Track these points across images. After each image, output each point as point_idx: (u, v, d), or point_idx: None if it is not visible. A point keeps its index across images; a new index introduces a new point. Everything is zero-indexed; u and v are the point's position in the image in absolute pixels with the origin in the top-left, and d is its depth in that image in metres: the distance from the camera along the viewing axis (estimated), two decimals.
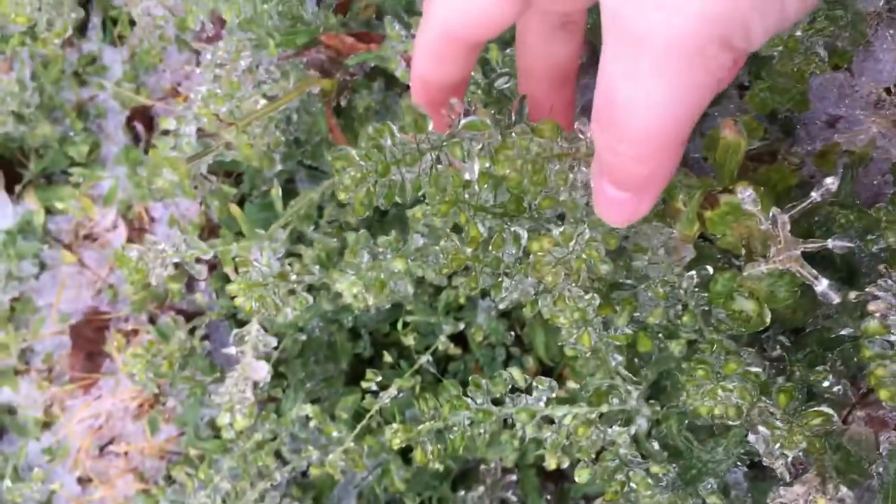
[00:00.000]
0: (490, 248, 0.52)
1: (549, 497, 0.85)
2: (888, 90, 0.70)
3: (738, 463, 0.70)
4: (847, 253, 0.63)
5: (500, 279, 0.55)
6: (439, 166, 0.45)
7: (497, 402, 0.59)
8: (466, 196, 0.51)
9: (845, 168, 0.64)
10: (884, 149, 0.71)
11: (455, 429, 0.59)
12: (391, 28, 0.78)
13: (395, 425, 0.61)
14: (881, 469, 0.57)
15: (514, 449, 0.81)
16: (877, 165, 0.71)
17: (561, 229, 0.49)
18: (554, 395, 0.58)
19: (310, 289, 0.74)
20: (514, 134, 0.42)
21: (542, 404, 0.58)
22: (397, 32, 0.79)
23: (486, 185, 0.46)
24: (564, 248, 0.49)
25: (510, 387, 0.59)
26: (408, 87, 0.88)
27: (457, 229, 0.56)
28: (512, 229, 0.52)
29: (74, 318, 1.06)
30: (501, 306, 0.57)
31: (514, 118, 0.46)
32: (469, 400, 0.58)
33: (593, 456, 0.58)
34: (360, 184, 0.42)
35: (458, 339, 0.85)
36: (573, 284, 0.51)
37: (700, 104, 0.33)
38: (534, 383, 0.59)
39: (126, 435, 1.04)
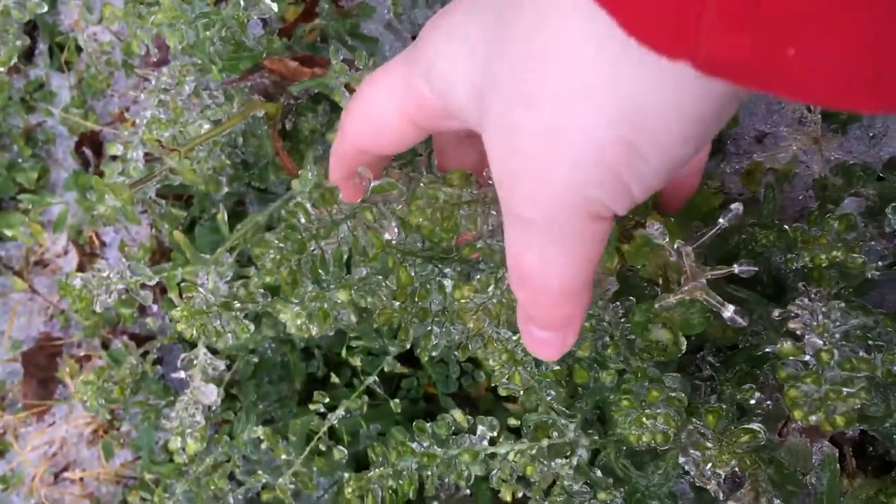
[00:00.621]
0: (416, 298, 0.54)
1: None
2: (808, 108, 0.72)
3: (684, 476, 0.72)
4: (773, 269, 0.65)
5: (429, 328, 0.57)
6: (356, 233, 0.46)
7: (443, 444, 0.61)
8: (393, 244, 0.53)
9: (767, 187, 0.66)
10: (806, 164, 0.73)
11: (404, 473, 0.60)
12: (335, 58, 0.79)
13: (346, 475, 0.62)
14: (815, 479, 0.59)
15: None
16: (802, 180, 0.74)
17: (478, 277, 0.51)
18: (495, 433, 0.59)
19: (255, 316, 0.75)
20: (422, 184, 0.44)
21: (485, 443, 0.60)
22: (341, 65, 0.80)
23: (407, 238, 0.48)
24: (483, 294, 0.51)
25: (453, 430, 0.60)
26: None
27: (388, 273, 0.58)
28: (437, 279, 0.53)
29: (26, 345, 1.06)
30: (434, 354, 0.59)
31: (423, 172, 0.48)
32: (415, 444, 0.60)
33: (544, 491, 0.60)
34: (282, 265, 0.44)
35: (411, 356, 0.86)
36: (498, 327, 0.53)
37: (598, 251, 0.37)
38: (476, 424, 0.60)
39: (81, 461, 1.03)
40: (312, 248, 0.44)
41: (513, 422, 0.62)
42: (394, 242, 0.49)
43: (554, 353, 0.43)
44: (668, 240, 0.46)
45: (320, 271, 0.45)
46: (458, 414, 0.58)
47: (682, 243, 0.46)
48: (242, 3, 0.77)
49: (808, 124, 0.73)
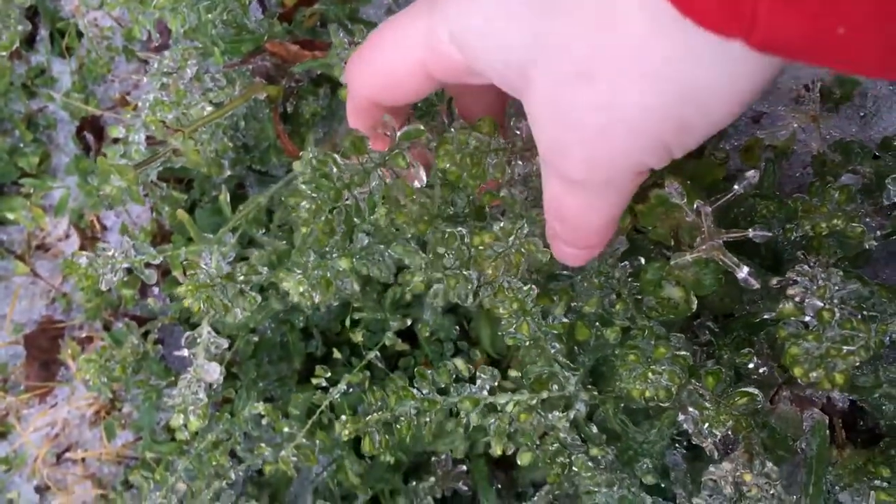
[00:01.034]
0: (439, 248, 0.55)
1: (499, 486, 0.88)
2: (807, 87, 0.74)
3: (677, 445, 0.73)
4: (771, 241, 0.66)
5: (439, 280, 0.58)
6: (387, 180, 0.47)
7: (443, 391, 0.62)
8: (422, 202, 0.54)
9: (768, 162, 0.67)
10: (804, 142, 0.74)
11: (402, 419, 0.61)
12: (336, 36, 0.80)
13: (344, 417, 0.63)
14: (805, 445, 0.60)
15: (463, 439, 0.84)
16: (799, 158, 0.75)
17: (501, 224, 0.52)
18: (496, 383, 0.60)
19: (260, 289, 0.76)
20: (452, 129, 0.45)
21: (485, 392, 0.61)
22: (342, 40, 0.81)
23: (436, 186, 0.49)
24: (504, 242, 0.52)
25: (455, 377, 0.61)
26: None
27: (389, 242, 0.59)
28: (457, 230, 0.54)
29: (28, 328, 1.07)
30: (441, 305, 0.60)
31: (445, 121, 0.48)
32: (415, 390, 0.61)
33: (536, 441, 0.61)
34: (317, 214, 0.44)
35: (408, 335, 0.87)
36: (512, 277, 0.54)
37: (632, 194, 0.40)
38: (477, 373, 0.61)
39: (83, 442, 1.04)
40: (346, 198, 0.44)
41: (514, 373, 0.63)
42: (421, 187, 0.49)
43: (579, 261, 0.46)
44: (685, 200, 0.47)
45: (355, 219, 0.45)
46: (459, 362, 0.59)
47: (701, 203, 0.47)
48: None
49: (806, 103, 0.74)
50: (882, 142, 0.74)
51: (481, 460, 0.87)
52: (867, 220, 0.65)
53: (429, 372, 0.60)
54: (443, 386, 0.61)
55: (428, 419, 0.60)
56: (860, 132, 0.75)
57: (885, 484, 0.62)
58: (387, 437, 0.62)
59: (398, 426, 0.60)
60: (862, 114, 0.76)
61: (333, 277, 0.67)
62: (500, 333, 0.63)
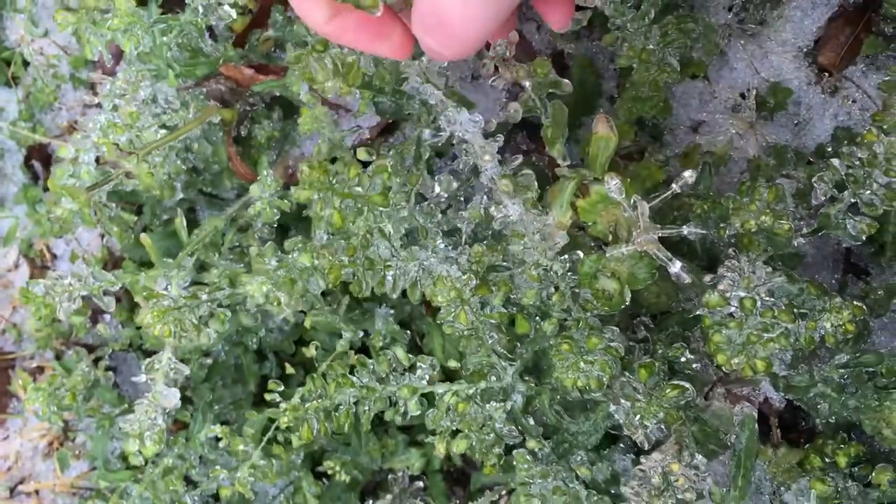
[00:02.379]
0: (352, 251, 0.56)
1: (457, 501, 0.88)
2: (742, 95, 0.77)
3: (624, 450, 0.74)
4: (707, 242, 0.69)
5: (382, 275, 0.59)
6: None
7: (383, 381, 0.62)
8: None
9: (704, 165, 0.69)
10: (742, 148, 0.77)
11: (342, 407, 0.61)
12: (293, 53, 0.81)
13: (283, 405, 0.63)
14: (734, 438, 0.62)
15: (419, 455, 0.84)
16: (737, 164, 0.78)
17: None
18: (435, 372, 0.61)
19: (227, 306, 0.76)
20: None
21: (424, 382, 0.62)
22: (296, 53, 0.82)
23: None
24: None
25: (393, 367, 0.62)
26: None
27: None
28: (381, 225, 0.56)
29: None
30: (394, 295, 0.61)
31: None
32: (355, 378, 0.61)
33: (474, 431, 0.61)
34: None
35: (361, 350, 0.88)
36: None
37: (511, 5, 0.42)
38: (417, 362, 0.62)
39: (36, 474, 1.03)
40: None
41: (453, 364, 0.64)
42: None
43: (443, 55, 0.45)
44: (624, 195, 0.49)
45: None
46: (399, 351, 0.60)
47: (638, 197, 0.49)
48: (201, 8, 0.79)
49: (742, 110, 0.77)
50: (816, 148, 0.77)
51: (437, 476, 0.88)
52: (800, 222, 0.67)
53: (369, 361, 0.61)
54: (383, 376, 0.62)
55: (367, 408, 0.61)
56: (794, 139, 0.78)
57: (819, 474, 0.64)
58: (325, 424, 0.62)
59: (337, 414, 0.61)
60: (796, 122, 0.79)
61: (297, 276, 0.67)
62: (455, 347, 0.64)
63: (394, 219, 0.57)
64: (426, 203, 0.61)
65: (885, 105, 0.70)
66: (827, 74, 0.78)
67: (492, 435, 0.60)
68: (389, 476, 0.89)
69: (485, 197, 0.62)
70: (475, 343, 0.59)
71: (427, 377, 0.60)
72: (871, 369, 0.68)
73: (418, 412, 0.60)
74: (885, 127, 0.70)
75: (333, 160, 0.79)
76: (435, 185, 0.61)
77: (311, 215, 0.63)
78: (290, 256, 0.67)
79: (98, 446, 0.98)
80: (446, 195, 0.61)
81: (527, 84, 0.59)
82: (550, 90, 0.63)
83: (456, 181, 0.62)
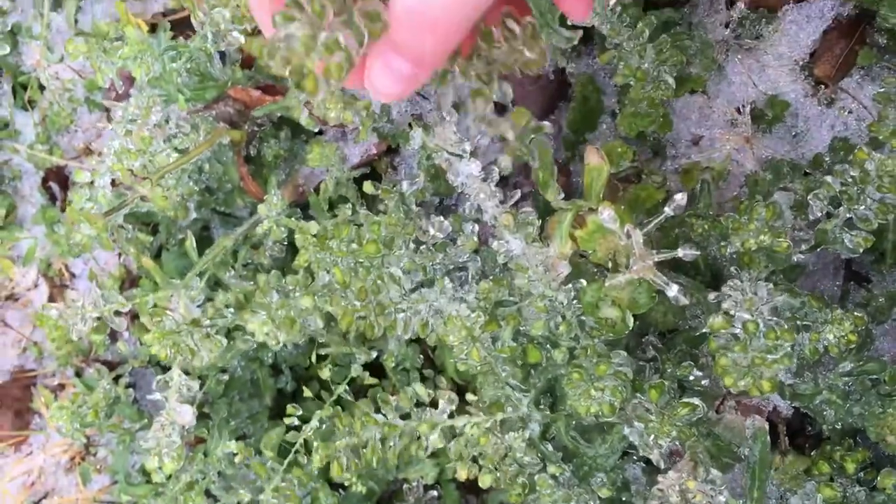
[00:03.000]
0: (364, 295, 0.58)
1: None
2: (738, 110, 0.78)
3: (635, 458, 0.76)
4: (709, 258, 0.70)
5: (393, 318, 0.61)
6: None
7: (407, 417, 0.65)
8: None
9: (703, 183, 0.71)
10: (739, 163, 0.78)
11: (369, 443, 0.64)
12: None
13: (315, 444, 0.65)
14: (748, 451, 0.63)
15: (433, 465, 0.86)
16: (736, 178, 0.79)
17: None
18: (454, 406, 0.63)
19: (227, 331, 0.78)
20: None
21: (445, 416, 0.64)
22: None
23: None
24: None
25: (416, 402, 0.64)
26: (314, 134, 0.93)
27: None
28: (391, 272, 0.58)
29: (1, 378, 1.08)
30: (406, 336, 0.63)
31: None
32: (379, 416, 0.63)
33: (496, 463, 0.63)
34: None
35: (375, 367, 0.90)
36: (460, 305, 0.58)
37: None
38: (437, 397, 0.64)
39: (59, 488, 1.05)
40: None
41: (471, 397, 0.66)
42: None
43: (400, 87, 0.43)
44: (618, 224, 0.51)
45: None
46: (419, 388, 0.62)
47: (630, 227, 0.51)
48: (210, 35, 0.81)
49: (738, 125, 0.79)
50: (813, 159, 0.78)
51: (451, 485, 0.90)
52: (799, 233, 0.69)
53: (391, 398, 0.63)
54: (406, 411, 0.64)
55: (392, 443, 0.63)
56: (792, 151, 0.80)
57: (827, 480, 0.66)
58: (356, 461, 0.65)
59: (365, 451, 0.63)
60: (794, 133, 0.80)
61: (297, 316, 0.70)
62: (452, 360, 0.66)
63: (395, 265, 0.59)
64: (423, 246, 0.63)
65: (880, 116, 0.72)
66: (823, 86, 0.79)
67: (514, 466, 0.61)
68: (404, 486, 0.91)
69: (475, 225, 0.64)
70: (491, 377, 0.61)
71: (448, 410, 0.62)
72: (874, 377, 0.69)
73: (441, 445, 0.62)
74: (880, 138, 0.72)
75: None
76: (430, 227, 0.63)
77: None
78: (290, 297, 0.69)
79: (119, 461, 1.01)
80: (442, 236, 0.63)
81: (510, 136, 0.61)
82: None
83: (454, 221, 0.64)
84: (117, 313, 0.80)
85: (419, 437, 0.64)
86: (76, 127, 1.08)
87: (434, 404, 0.64)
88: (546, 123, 0.63)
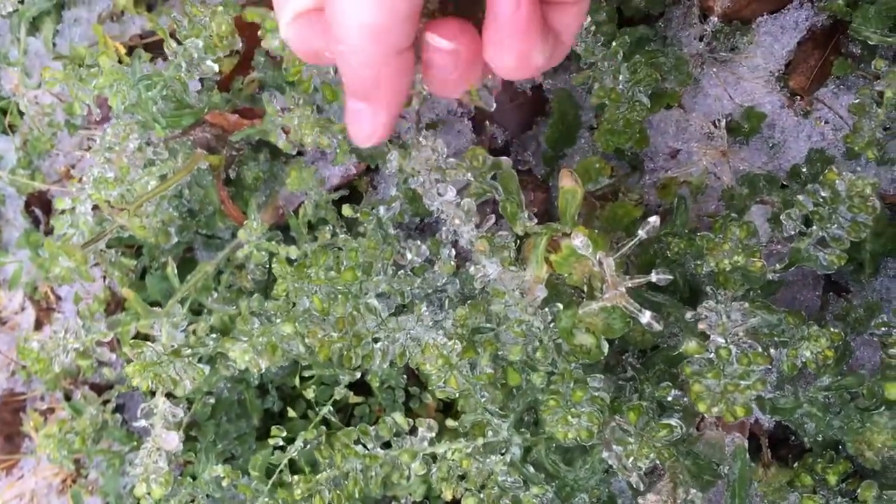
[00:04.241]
0: (342, 325, 0.58)
1: None
2: (714, 123, 0.78)
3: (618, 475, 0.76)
4: (688, 275, 0.70)
5: (370, 348, 0.61)
6: None
7: (388, 445, 0.65)
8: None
9: (680, 199, 0.71)
10: (717, 176, 0.78)
11: (350, 475, 0.64)
12: (269, 104, 0.83)
13: (295, 478, 0.66)
14: (727, 469, 0.64)
15: (420, 483, 0.87)
16: (715, 191, 0.79)
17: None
18: (433, 434, 0.63)
19: (210, 359, 0.78)
20: None
21: (425, 444, 0.64)
22: (275, 108, 0.84)
23: None
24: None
25: (395, 431, 0.64)
26: (294, 155, 0.93)
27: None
28: (367, 301, 0.58)
29: None
30: (383, 366, 0.63)
31: None
32: (359, 447, 0.64)
33: (480, 485, 0.64)
34: None
35: (361, 385, 0.90)
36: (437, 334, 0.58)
37: (403, 8, 0.37)
38: (416, 425, 0.64)
39: None
40: None
41: (451, 423, 0.66)
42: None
43: (365, 131, 0.43)
44: (591, 250, 0.51)
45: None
46: (398, 417, 0.62)
47: (602, 254, 0.51)
48: (184, 64, 0.81)
49: (715, 139, 0.79)
50: (791, 170, 0.78)
51: (439, 502, 0.90)
52: (777, 246, 0.69)
53: (371, 428, 0.63)
54: (387, 440, 0.65)
55: (374, 473, 0.63)
56: (769, 162, 0.80)
57: (809, 492, 0.66)
58: (338, 492, 0.65)
59: (346, 482, 0.63)
60: (771, 144, 0.80)
61: (279, 341, 0.70)
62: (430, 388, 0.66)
63: (372, 292, 0.59)
64: (401, 271, 0.64)
65: (855, 127, 0.72)
66: (799, 97, 0.79)
67: (496, 489, 0.62)
68: (392, 503, 0.91)
69: (452, 249, 0.64)
70: (471, 400, 0.61)
71: (428, 438, 0.63)
72: (852, 390, 0.69)
73: (423, 472, 0.62)
74: (856, 149, 0.72)
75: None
76: (407, 252, 0.63)
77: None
78: (272, 323, 0.69)
79: (110, 484, 1.01)
80: (420, 260, 0.64)
81: (469, 177, 0.62)
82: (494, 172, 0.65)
83: (432, 245, 0.64)
84: (99, 343, 0.80)
85: (400, 466, 0.64)
86: (57, 151, 1.08)
87: (413, 432, 0.65)
88: (504, 159, 0.63)
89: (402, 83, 0.41)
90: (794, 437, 0.80)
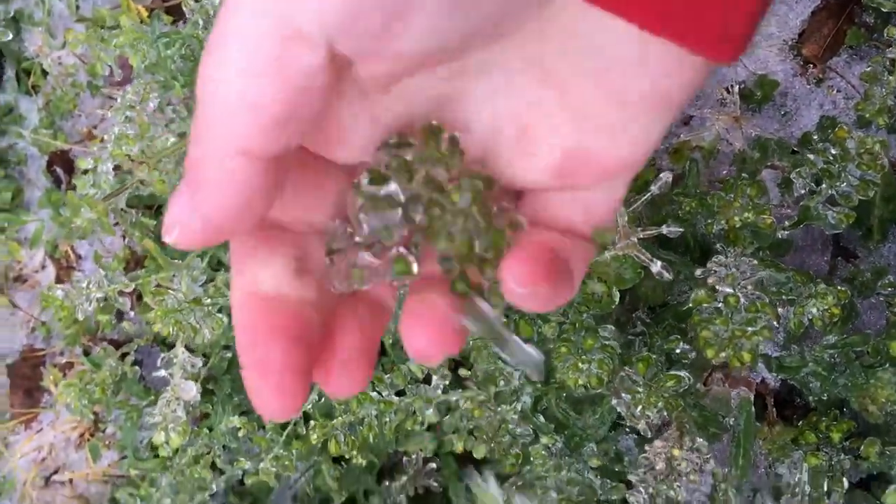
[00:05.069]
0: None
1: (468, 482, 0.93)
2: (727, 89, 0.79)
3: (628, 431, 0.78)
4: (698, 235, 0.72)
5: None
6: None
7: (402, 393, 0.67)
8: None
9: (691, 162, 0.72)
10: (729, 142, 0.80)
11: (365, 420, 0.66)
12: None
13: (311, 423, 0.67)
14: (733, 420, 0.65)
15: (431, 438, 0.89)
16: (726, 157, 0.81)
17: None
18: (447, 382, 0.65)
19: (228, 312, 0.80)
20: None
21: (439, 392, 0.66)
22: None
23: None
24: None
25: (410, 378, 0.66)
26: None
27: None
28: None
29: (11, 358, 1.10)
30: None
31: None
32: (375, 394, 0.65)
33: (491, 435, 0.66)
34: None
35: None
36: None
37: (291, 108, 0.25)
38: (430, 373, 0.66)
39: (70, 464, 1.08)
40: None
41: (464, 372, 0.68)
42: None
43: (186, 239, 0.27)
44: None
45: None
46: (413, 365, 0.64)
47: None
48: (201, 21, 0.82)
49: (728, 105, 0.80)
50: (802, 137, 0.80)
51: (450, 457, 0.92)
52: (787, 210, 0.70)
53: (386, 376, 0.65)
54: (401, 388, 0.66)
55: (388, 419, 0.65)
56: (781, 129, 0.81)
57: (813, 449, 0.68)
58: (353, 437, 0.67)
59: (362, 427, 0.65)
60: (783, 112, 0.82)
61: None
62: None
63: None
64: None
65: (866, 95, 0.73)
66: (812, 66, 0.80)
67: (507, 437, 0.63)
68: (404, 458, 0.93)
69: None
70: (484, 352, 0.63)
71: (441, 386, 0.64)
72: (857, 349, 0.71)
73: (436, 420, 0.64)
74: (867, 116, 0.73)
75: None
76: None
77: None
78: None
79: (128, 437, 1.03)
80: None
81: None
82: None
83: None
84: (121, 293, 0.82)
85: (414, 413, 0.66)
86: (79, 111, 1.10)
87: (428, 380, 0.66)
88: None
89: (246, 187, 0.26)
90: (798, 399, 0.82)
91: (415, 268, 0.29)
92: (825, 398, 0.72)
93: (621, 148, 0.28)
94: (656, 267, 0.54)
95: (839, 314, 0.65)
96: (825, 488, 0.70)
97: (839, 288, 0.64)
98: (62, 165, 1.12)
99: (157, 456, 0.99)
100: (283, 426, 0.88)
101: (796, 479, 0.72)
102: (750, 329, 0.54)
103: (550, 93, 0.28)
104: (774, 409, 0.77)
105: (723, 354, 0.54)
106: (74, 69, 1.06)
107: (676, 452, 0.58)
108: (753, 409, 0.64)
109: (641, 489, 0.59)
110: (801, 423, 0.72)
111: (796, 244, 0.79)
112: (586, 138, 0.28)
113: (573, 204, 0.30)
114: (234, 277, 0.30)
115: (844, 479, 0.70)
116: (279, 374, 0.28)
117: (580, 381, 0.58)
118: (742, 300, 0.55)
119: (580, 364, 0.58)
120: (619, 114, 0.28)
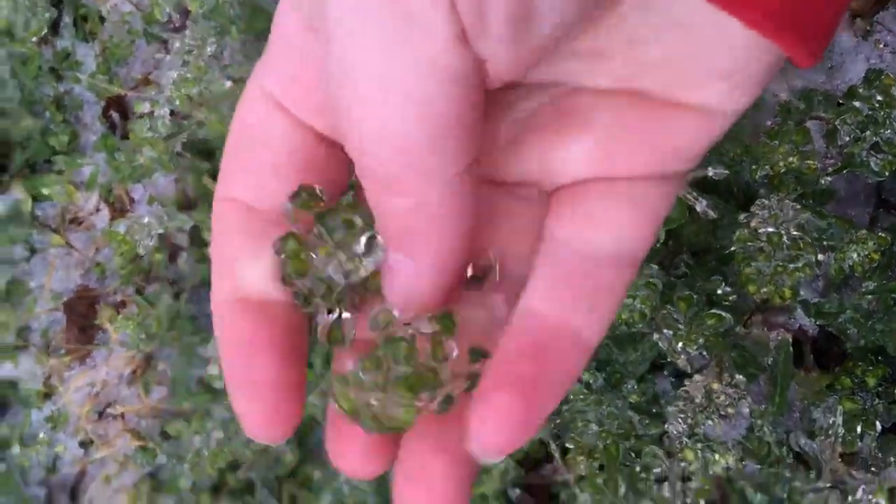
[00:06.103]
0: None
1: None
2: None
3: (666, 374, 0.80)
4: (743, 184, 0.73)
5: None
6: None
7: None
8: None
9: None
10: (774, 93, 0.81)
11: None
12: None
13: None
14: (771, 361, 0.67)
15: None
16: (771, 108, 0.82)
17: None
18: None
19: None
20: None
21: None
22: None
23: None
24: None
25: None
26: None
27: None
28: None
29: (66, 296, 1.15)
30: None
31: None
32: None
33: None
34: None
35: None
36: None
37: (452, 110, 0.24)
38: None
39: (122, 399, 1.12)
40: None
41: None
42: None
43: (410, 298, 0.27)
44: None
45: None
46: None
47: None
48: None
49: None
50: (848, 90, 0.81)
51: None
52: (830, 161, 0.72)
53: None
54: None
55: None
56: (827, 83, 0.82)
57: (849, 394, 0.70)
58: None
59: None
60: (829, 65, 0.82)
61: None
62: None
63: None
64: None
65: None
66: (859, 19, 0.81)
67: None
68: None
69: None
70: None
71: None
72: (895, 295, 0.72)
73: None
74: None
75: None
76: None
77: None
78: None
79: (179, 373, 1.07)
80: None
81: None
82: None
83: None
84: (179, 230, 0.85)
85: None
86: (135, 58, 1.13)
87: None
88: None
89: (456, 224, 0.26)
90: (836, 347, 0.84)
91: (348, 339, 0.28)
92: (862, 344, 0.74)
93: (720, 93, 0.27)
94: (701, 205, 0.56)
95: (879, 260, 0.66)
96: (858, 431, 0.72)
97: (880, 234, 0.66)
98: (118, 110, 1.15)
99: (207, 391, 1.03)
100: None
101: (830, 422, 0.74)
102: (792, 266, 0.56)
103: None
104: (812, 356, 0.79)
105: (764, 290, 0.56)
106: (131, 16, 1.09)
107: (716, 386, 0.61)
108: (791, 350, 0.66)
109: (679, 419, 0.61)
110: (837, 369, 0.74)
111: (839, 196, 0.81)
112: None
113: (618, 205, 0.28)
114: (214, 283, 0.29)
115: (878, 423, 0.72)
116: (270, 396, 0.27)
117: (623, 316, 0.60)
118: (785, 239, 0.57)
119: (625, 299, 0.60)
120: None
